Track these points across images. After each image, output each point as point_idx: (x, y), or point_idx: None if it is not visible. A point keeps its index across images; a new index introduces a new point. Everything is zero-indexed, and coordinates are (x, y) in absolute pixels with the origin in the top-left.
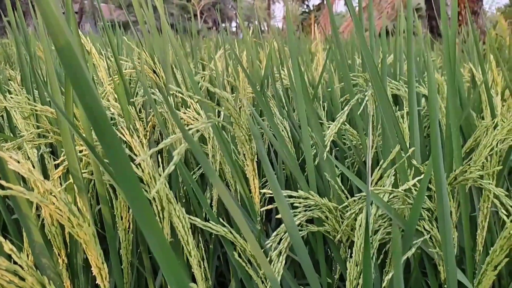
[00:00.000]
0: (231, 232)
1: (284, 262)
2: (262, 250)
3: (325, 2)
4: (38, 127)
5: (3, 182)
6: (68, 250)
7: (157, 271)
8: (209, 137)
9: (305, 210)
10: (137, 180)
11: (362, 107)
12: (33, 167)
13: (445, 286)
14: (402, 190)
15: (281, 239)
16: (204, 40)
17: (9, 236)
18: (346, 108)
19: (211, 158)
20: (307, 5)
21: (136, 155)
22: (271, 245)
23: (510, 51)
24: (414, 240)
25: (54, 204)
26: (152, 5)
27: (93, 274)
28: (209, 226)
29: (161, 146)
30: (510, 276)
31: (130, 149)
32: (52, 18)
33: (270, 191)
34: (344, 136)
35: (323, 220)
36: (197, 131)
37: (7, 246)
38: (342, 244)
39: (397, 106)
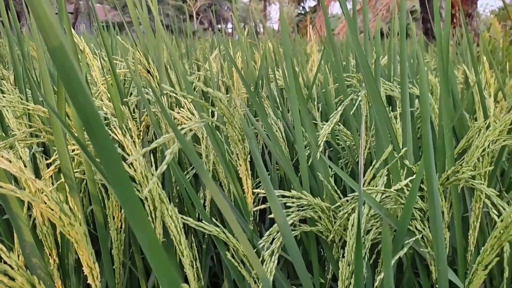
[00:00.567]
0: (223, 232)
1: (276, 262)
2: (255, 250)
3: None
4: (30, 127)
5: None
6: (60, 250)
7: (150, 271)
8: (202, 137)
9: (298, 210)
10: (129, 179)
11: (355, 108)
12: (25, 166)
13: (437, 286)
14: (394, 190)
15: (273, 239)
16: (200, 41)
17: (0, 237)
18: (339, 108)
19: (204, 158)
20: (303, 7)
21: (129, 155)
22: (264, 245)
23: (504, 53)
24: (406, 240)
25: (45, 203)
26: (147, 5)
27: (85, 274)
28: (202, 226)
29: (153, 145)
30: (502, 276)
31: (123, 148)
32: (44, 18)
33: (263, 191)
34: (338, 137)
35: (316, 220)
36: (190, 130)
37: None
38: (334, 244)
39: (391, 107)
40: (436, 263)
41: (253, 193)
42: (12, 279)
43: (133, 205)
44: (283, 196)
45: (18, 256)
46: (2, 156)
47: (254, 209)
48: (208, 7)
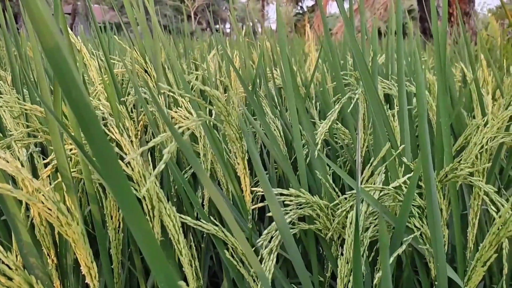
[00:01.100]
0: (222, 230)
1: (275, 260)
2: (254, 248)
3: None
4: (28, 127)
5: None
6: (58, 250)
7: (149, 271)
8: (200, 136)
9: (296, 208)
10: (125, 178)
11: (352, 105)
12: (22, 166)
13: (436, 283)
14: (392, 187)
15: (272, 237)
16: (198, 41)
17: None
18: (336, 106)
19: (202, 157)
20: (301, 7)
21: (126, 154)
22: (263, 244)
23: (501, 51)
24: (405, 237)
25: (42, 203)
26: (145, 6)
27: (83, 274)
28: (200, 225)
29: (150, 144)
30: (501, 273)
31: (121, 148)
32: (39, 18)
33: (261, 189)
34: (336, 135)
35: (314, 218)
36: (187, 129)
37: None
38: (333, 242)
39: (388, 105)
40: (435, 260)
41: (252, 191)
42: (10, 279)
43: (130, 204)
44: (281, 194)
45: (16, 256)
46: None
47: (252, 207)
48: (206, 7)
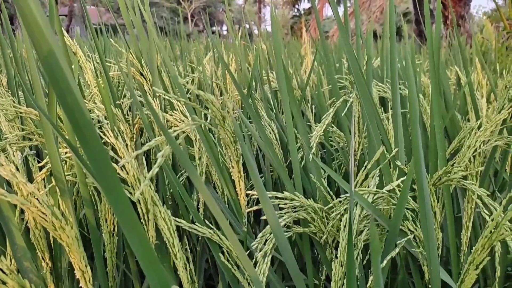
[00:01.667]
0: (216, 234)
1: (269, 263)
2: (249, 251)
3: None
4: (23, 130)
5: None
6: (53, 253)
7: (144, 274)
8: (195, 139)
9: (291, 211)
10: (119, 181)
11: (346, 109)
12: (17, 169)
13: (430, 286)
14: (386, 190)
15: (266, 241)
16: (194, 43)
17: None
18: (331, 110)
19: (197, 160)
20: (298, 9)
21: (121, 158)
22: (257, 247)
23: (496, 55)
24: (399, 240)
25: (36, 207)
26: (141, 8)
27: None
28: (195, 228)
29: (145, 148)
30: (495, 276)
31: (116, 151)
32: (33, 22)
33: (256, 193)
34: (331, 138)
35: (309, 221)
36: (182, 133)
37: None
38: (328, 245)
39: (383, 108)
40: (428, 263)
41: (247, 195)
42: (4, 283)
43: (123, 207)
44: (276, 198)
45: (10, 260)
46: None
47: (247, 210)
48: (203, 9)
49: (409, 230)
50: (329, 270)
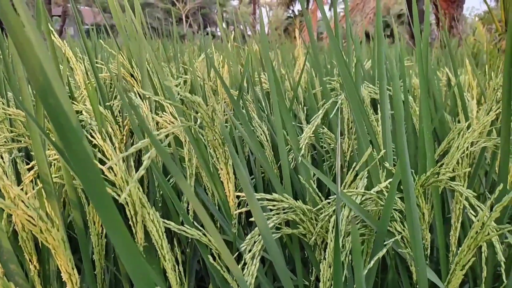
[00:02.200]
0: (206, 235)
1: (258, 264)
2: (238, 253)
3: (310, 7)
4: (11, 132)
5: None
6: (41, 256)
7: None
8: (185, 141)
9: (279, 213)
10: (103, 184)
11: (334, 111)
12: (4, 171)
13: (417, 286)
14: (374, 192)
15: (255, 242)
16: (187, 45)
17: None
18: (320, 111)
19: (187, 162)
20: (292, 10)
21: (109, 160)
22: (246, 248)
23: (487, 56)
24: (387, 241)
25: (22, 209)
26: (129, 10)
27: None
28: (184, 230)
29: (131, 150)
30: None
31: (104, 153)
32: (15, 25)
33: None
34: (322, 140)
35: (298, 223)
36: (168, 135)
37: None
38: (317, 246)
39: (373, 109)
40: (415, 263)
41: (238, 196)
42: None
43: (107, 209)
44: (265, 199)
45: None
46: None
47: (236, 212)
48: (198, 10)
49: (397, 231)
50: (318, 271)
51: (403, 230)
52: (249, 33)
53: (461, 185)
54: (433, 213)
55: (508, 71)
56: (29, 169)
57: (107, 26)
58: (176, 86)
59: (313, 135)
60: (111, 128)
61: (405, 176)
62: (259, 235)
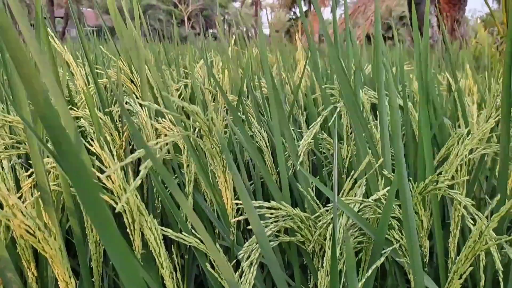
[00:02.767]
0: (203, 243)
1: (255, 272)
2: (236, 260)
3: (311, 9)
4: (11, 138)
5: None
6: (39, 263)
7: None
8: (184, 147)
9: (277, 221)
10: (98, 193)
11: (333, 118)
12: (3, 178)
13: None
14: (372, 199)
15: (253, 250)
16: (188, 47)
17: None
18: (319, 119)
19: (186, 169)
20: (294, 12)
21: (107, 168)
22: (244, 256)
23: (489, 60)
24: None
25: (19, 219)
26: (126, 14)
27: None
28: (182, 237)
29: (128, 160)
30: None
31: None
32: (8, 30)
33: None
34: (321, 145)
35: (296, 230)
36: (166, 144)
37: None
38: (315, 253)
39: (373, 115)
40: (412, 272)
41: (236, 203)
42: None
43: (103, 221)
44: (262, 207)
45: None
46: None
47: (234, 220)
48: (200, 12)
49: (395, 239)
50: (316, 279)
51: (401, 238)
52: (253, 34)
53: (459, 193)
54: (432, 219)
55: (507, 78)
56: (29, 176)
57: (107, 29)
58: (177, 90)
59: (312, 140)
60: (110, 134)
61: (402, 186)
62: (256, 243)
